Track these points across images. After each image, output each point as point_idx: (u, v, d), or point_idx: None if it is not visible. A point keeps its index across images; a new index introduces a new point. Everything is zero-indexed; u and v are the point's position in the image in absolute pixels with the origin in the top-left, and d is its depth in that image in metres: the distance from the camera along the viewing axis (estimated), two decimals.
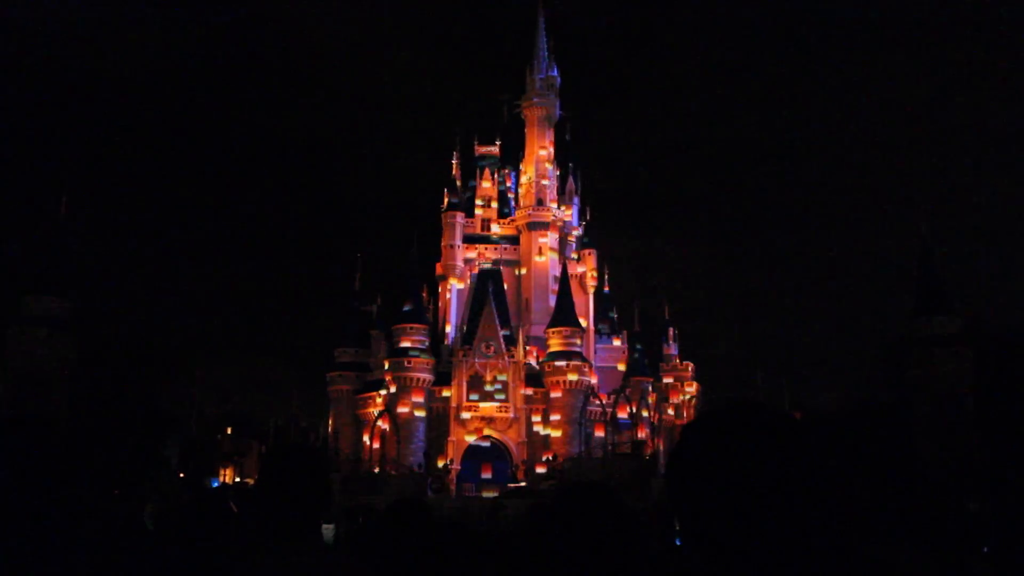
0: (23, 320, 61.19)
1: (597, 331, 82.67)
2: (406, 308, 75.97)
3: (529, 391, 73.58)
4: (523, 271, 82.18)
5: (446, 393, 73.68)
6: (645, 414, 73.91)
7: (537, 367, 74.98)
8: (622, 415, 72.95)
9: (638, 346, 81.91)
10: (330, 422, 79.45)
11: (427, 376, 73.90)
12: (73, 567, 2.31)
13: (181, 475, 71.71)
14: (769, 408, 1.69)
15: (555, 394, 73.13)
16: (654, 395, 78.46)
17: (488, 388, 73.44)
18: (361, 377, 79.44)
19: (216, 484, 68.61)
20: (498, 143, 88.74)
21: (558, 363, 73.47)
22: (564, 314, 75.28)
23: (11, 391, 59.19)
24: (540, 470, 69.59)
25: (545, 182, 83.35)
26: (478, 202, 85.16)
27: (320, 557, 3.16)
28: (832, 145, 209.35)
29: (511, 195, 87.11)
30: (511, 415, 72.71)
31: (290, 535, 3.21)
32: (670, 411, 78.88)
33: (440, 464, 70.59)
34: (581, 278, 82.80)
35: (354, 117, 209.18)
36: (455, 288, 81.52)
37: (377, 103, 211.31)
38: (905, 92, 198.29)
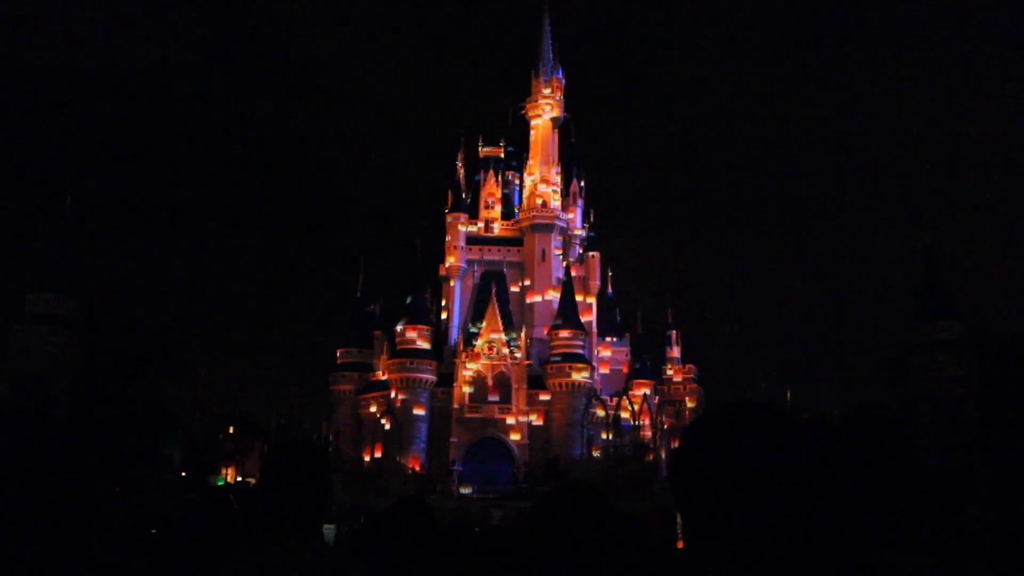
0: (26, 318, 61.26)
1: (600, 333, 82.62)
2: (409, 309, 76.02)
3: (532, 393, 73.54)
4: (526, 273, 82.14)
5: (448, 394, 73.67)
6: (647, 417, 73.90)
7: (540, 369, 74.96)
8: (624, 417, 73.00)
9: (641, 349, 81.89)
10: (332, 422, 79.51)
11: (429, 377, 73.96)
12: (74, 565, 2.31)
13: (183, 474, 71.74)
14: (772, 408, 1.69)
15: (557, 396, 73.10)
16: (656, 398, 78.43)
17: (490, 389, 73.45)
18: (363, 377, 79.48)
19: (222, 483, 68.75)
20: (503, 145, 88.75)
21: (561, 365, 73.47)
22: (567, 316, 75.31)
23: (14, 389, 59.25)
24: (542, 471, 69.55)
25: (549, 184, 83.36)
26: (482, 203, 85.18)
27: (321, 557, 3.16)
28: (837, 149, 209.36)
29: (515, 197, 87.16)
30: (513, 417, 72.69)
31: (291, 534, 3.20)
32: (672, 414, 78.81)
33: (442, 465, 70.55)
34: (584, 280, 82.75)
35: (359, 118, 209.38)
36: (458, 289, 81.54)
37: (382, 104, 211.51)
38: (909, 96, 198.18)
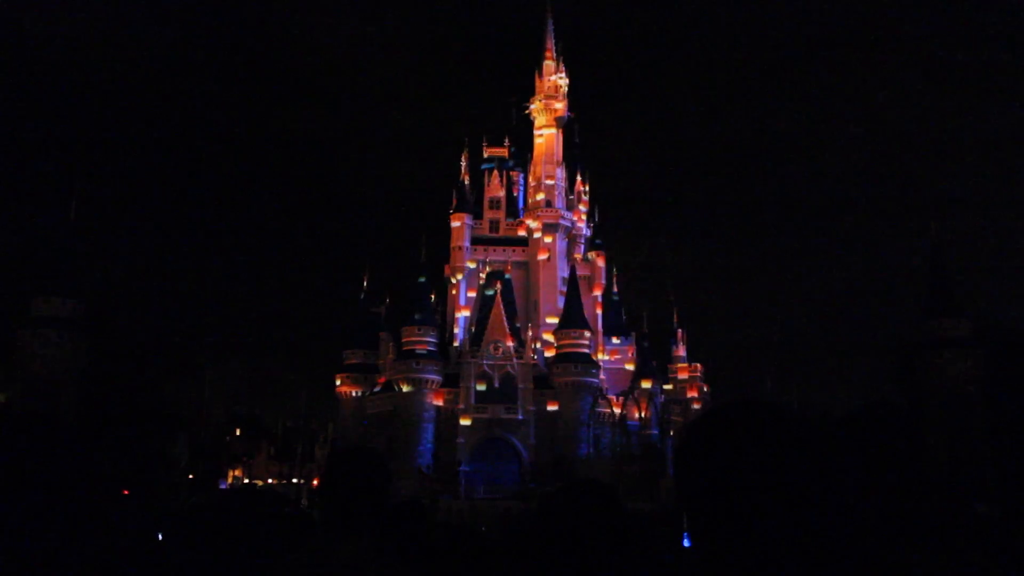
0: (33, 321, 61.40)
1: (605, 333, 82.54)
2: (414, 310, 76.00)
3: (538, 392, 73.48)
4: (531, 273, 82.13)
5: (455, 394, 73.61)
6: (653, 416, 73.79)
7: (545, 369, 74.89)
8: (631, 417, 72.92)
9: (647, 348, 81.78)
10: (338, 424, 79.55)
11: (436, 378, 73.88)
12: (82, 568, 2.32)
13: (191, 476, 71.85)
14: (777, 406, 1.68)
15: (564, 396, 72.99)
16: (663, 396, 78.33)
17: (496, 390, 73.38)
18: (369, 379, 79.49)
19: (224, 485, 68.91)
20: (507, 144, 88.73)
21: (566, 365, 73.38)
22: (572, 316, 75.22)
23: (21, 392, 59.41)
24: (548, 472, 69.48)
25: (553, 184, 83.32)
26: (487, 204, 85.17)
27: (367, 556, 3.21)
28: (842, 145, 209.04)
29: (520, 196, 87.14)
30: (519, 417, 72.65)
31: (345, 536, 3.29)
32: (679, 413, 78.71)
33: (448, 466, 70.52)
34: (590, 280, 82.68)
35: (363, 119, 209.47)
36: (463, 289, 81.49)
37: (386, 105, 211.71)
38: (915, 91, 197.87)
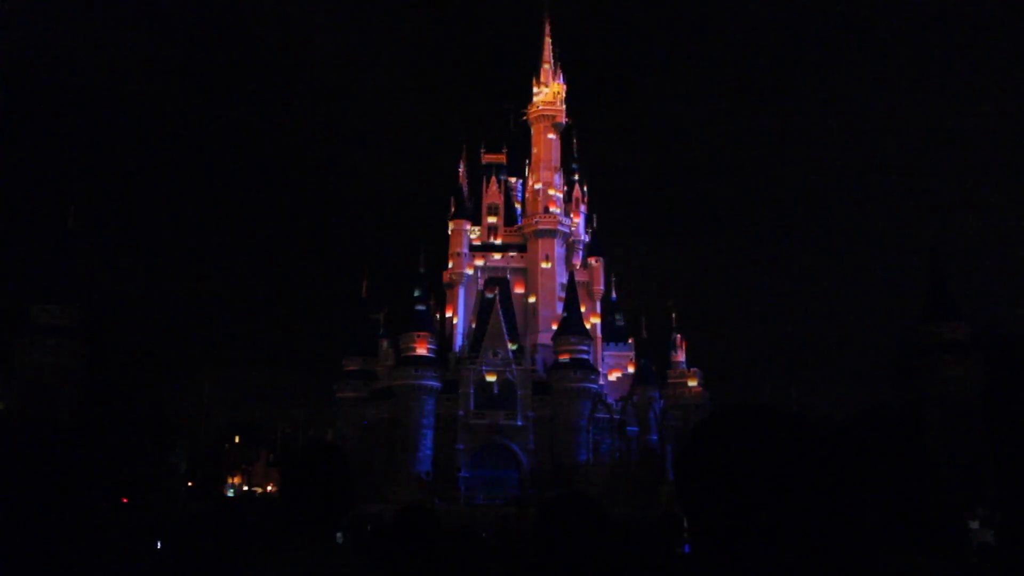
0: (32, 329, 61.36)
1: (604, 338, 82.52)
2: (413, 316, 75.93)
3: (537, 398, 73.35)
4: (530, 279, 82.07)
5: (454, 401, 73.49)
6: (653, 421, 73.71)
7: (544, 375, 74.78)
8: (630, 423, 72.83)
9: (645, 353, 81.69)
10: (337, 430, 79.45)
11: (434, 384, 73.73)
12: (82, 574, 2.31)
13: (190, 483, 71.78)
14: (777, 411, 1.68)
15: (563, 402, 72.86)
16: (662, 402, 78.26)
17: (495, 396, 73.26)
18: (368, 385, 79.36)
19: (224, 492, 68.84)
20: (505, 151, 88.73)
21: (565, 371, 73.29)
22: (571, 322, 75.12)
23: (20, 399, 59.37)
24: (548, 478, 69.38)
25: (551, 190, 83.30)
26: (485, 210, 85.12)
27: (338, 560, 3.13)
28: (841, 151, 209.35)
29: (518, 203, 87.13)
30: (519, 423, 72.51)
31: (309, 540, 3.18)
32: (678, 418, 78.62)
33: (447, 472, 70.42)
34: (588, 285, 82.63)
35: (362, 126, 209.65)
36: (462, 296, 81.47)
37: (385, 112, 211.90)
38: (913, 92, 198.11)
